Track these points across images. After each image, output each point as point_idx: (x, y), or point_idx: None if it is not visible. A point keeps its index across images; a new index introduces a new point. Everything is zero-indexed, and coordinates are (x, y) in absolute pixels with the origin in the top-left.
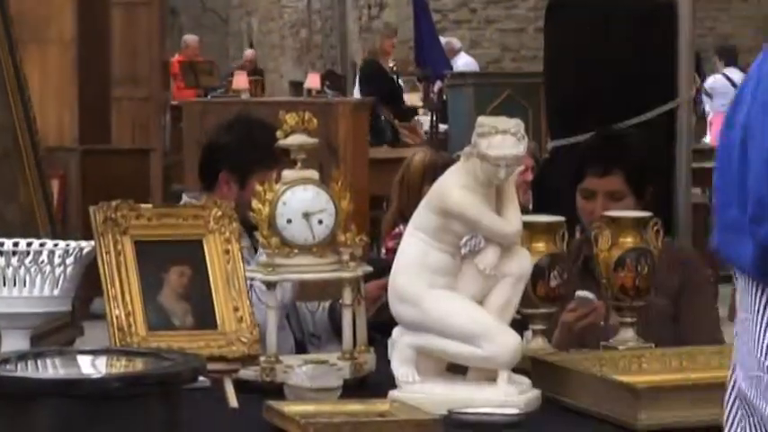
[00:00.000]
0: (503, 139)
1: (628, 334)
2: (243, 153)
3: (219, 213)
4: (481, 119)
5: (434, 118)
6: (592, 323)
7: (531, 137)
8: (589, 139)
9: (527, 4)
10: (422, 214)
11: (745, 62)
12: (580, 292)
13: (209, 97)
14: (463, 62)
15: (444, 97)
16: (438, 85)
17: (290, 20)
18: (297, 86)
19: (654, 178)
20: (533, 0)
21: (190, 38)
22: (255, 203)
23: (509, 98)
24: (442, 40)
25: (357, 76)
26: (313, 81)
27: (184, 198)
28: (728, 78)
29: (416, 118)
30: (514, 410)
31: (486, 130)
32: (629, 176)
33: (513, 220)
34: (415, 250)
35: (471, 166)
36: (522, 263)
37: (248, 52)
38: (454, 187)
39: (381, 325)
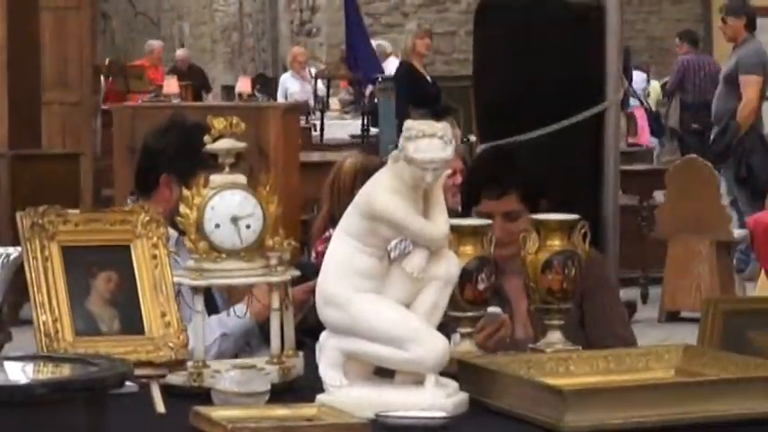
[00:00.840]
0: (430, 142)
1: (555, 336)
2: (184, 155)
3: (147, 218)
4: (408, 122)
5: (365, 121)
6: (503, 338)
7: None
8: (480, 161)
9: (459, 7)
10: (349, 218)
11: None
12: (489, 309)
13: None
14: (394, 66)
15: (375, 100)
16: (369, 88)
17: (222, 23)
18: (229, 90)
19: (546, 190)
20: (465, 3)
21: (155, 43)
22: (183, 208)
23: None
24: (374, 43)
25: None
26: (244, 85)
27: (129, 203)
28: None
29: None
30: (442, 414)
31: (414, 134)
32: (524, 195)
33: (440, 223)
34: (343, 254)
35: (399, 170)
36: (450, 266)
37: (180, 52)
38: (381, 191)
39: (310, 329)
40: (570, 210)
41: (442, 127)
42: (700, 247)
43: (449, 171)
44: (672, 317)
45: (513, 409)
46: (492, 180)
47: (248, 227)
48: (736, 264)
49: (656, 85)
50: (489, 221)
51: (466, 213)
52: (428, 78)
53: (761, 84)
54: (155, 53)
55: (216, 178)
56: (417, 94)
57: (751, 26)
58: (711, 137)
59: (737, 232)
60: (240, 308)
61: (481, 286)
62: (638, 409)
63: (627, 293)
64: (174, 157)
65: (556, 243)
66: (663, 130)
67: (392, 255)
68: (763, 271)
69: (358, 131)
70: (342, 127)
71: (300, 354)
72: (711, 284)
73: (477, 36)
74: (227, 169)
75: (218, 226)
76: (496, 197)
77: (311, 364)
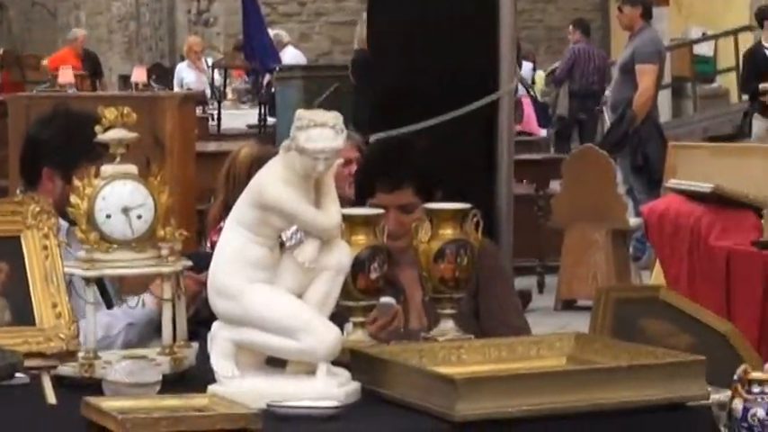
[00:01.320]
0: (321, 131)
1: (448, 325)
2: (65, 147)
3: (38, 209)
4: (300, 112)
5: (263, 111)
6: (397, 328)
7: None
8: (374, 152)
9: None
10: (241, 208)
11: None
12: (382, 299)
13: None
14: (291, 55)
15: (273, 90)
16: (267, 78)
17: (119, 13)
18: (126, 80)
19: (440, 181)
20: None
21: (78, 31)
22: (74, 198)
23: (337, 91)
24: (271, 32)
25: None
26: (139, 75)
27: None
28: None
29: None
30: (333, 403)
31: (305, 123)
32: (419, 188)
33: (332, 213)
34: (235, 244)
35: (290, 160)
36: (342, 256)
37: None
38: (272, 181)
39: (204, 320)
40: (465, 200)
41: (333, 116)
42: (596, 235)
43: (340, 160)
44: (568, 305)
45: (405, 398)
46: (386, 173)
47: (139, 217)
48: (633, 252)
49: (541, 75)
50: (381, 210)
51: (360, 205)
52: None
53: (657, 73)
54: (78, 41)
55: (107, 168)
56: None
57: (647, 15)
58: (607, 125)
59: (633, 221)
60: (146, 298)
61: (373, 276)
62: (529, 397)
63: (523, 282)
64: (56, 149)
65: (448, 232)
66: (549, 119)
67: (287, 245)
68: (658, 259)
69: (255, 121)
70: (239, 117)
71: (194, 344)
72: (607, 273)
73: (370, 26)
74: (118, 159)
75: (109, 216)
76: (391, 190)
77: (205, 355)
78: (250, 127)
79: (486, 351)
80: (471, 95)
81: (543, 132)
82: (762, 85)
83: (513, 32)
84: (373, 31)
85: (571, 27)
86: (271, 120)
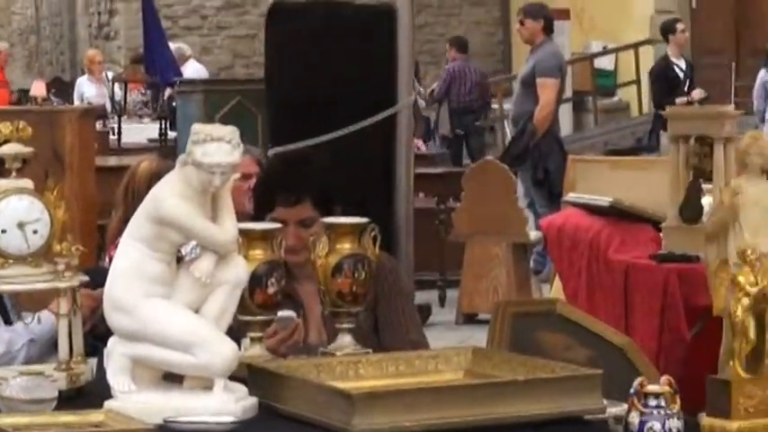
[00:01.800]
0: (218, 146)
1: (346, 340)
2: None
3: None
4: (196, 126)
5: (163, 125)
6: (296, 342)
7: (260, 143)
8: (273, 167)
9: (258, 9)
10: (138, 223)
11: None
12: (281, 313)
13: None
14: (193, 69)
15: (174, 104)
16: (168, 92)
17: (19, 27)
18: (27, 94)
19: (340, 195)
20: (264, 6)
21: (1, 44)
22: None
23: (239, 105)
24: (173, 46)
25: None
26: (38, 89)
27: None
28: None
29: None
30: (230, 418)
31: (201, 138)
32: (318, 202)
33: (228, 227)
34: (131, 259)
35: (186, 174)
36: (238, 271)
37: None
38: (169, 195)
39: (101, 336)
40: (364, 214)
41: (229, 131)
42: (496, 249)
43: (237, 175)
44: (469, 319)
45: (303, 414)
46: (285, 188)
47: (35, 232)
48: (533, 265)
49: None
50: (278, 225)
51: (260, 219)
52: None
53: (558, 86)
54: (1, 55)
55: (2, 183)
56: None
57: (548, 29)
58: (508, 139)
59: (534, 234)
60: (46, 314)
61: (271, 290)
62: (426, 411)
63: (424, 296)
64: None
65: (346, 246)
66: (431, 134)
67: (187, 259)
68: (557, 273)
69: (156, 135)
70: (140, 131)
71: (92, 360)
72: (508, 287)
73: (268, 40)
74: (13, 174)
75: (4, 231)
76: (290, 205)
77: (102, 371)
78: (151, 141)
79: (383, 366)
80: (371, 109)
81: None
82: (678, 100)
83: (411, 46)
84: (271, 44)
85: (448, 45)
86: (172, 134)
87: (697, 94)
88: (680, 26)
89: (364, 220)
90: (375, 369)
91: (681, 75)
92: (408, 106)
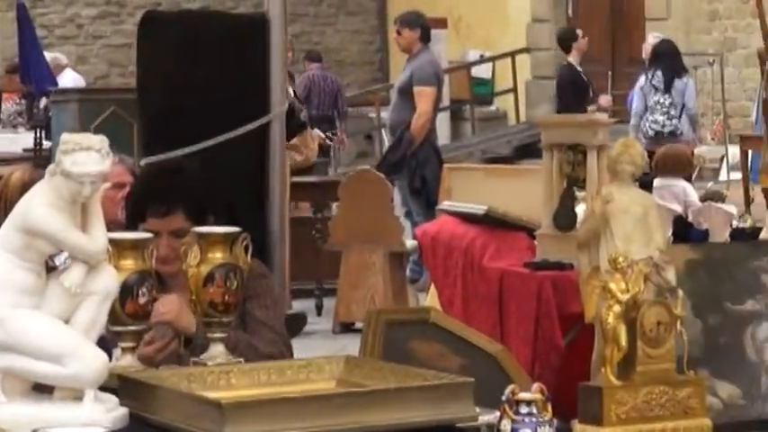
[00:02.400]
0: (87, 155)
1: (218, 349)
2: None
3: None
4: (65, 136)
5: (39, 135)
6: (173, 352)
7: (135, 153)
8: (145, 177)
9: (134, 19)
10: (6, 232)
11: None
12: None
13: None
14: (70, 78)
15: (50, 114)
16: (43, 101)
17: None
18: None
19: (213, 205)
20: (140, 16)
21: None
22: None
23: (114, 114)
24: (48, 56)
25: None
26: None
27: None
28: None
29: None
30: (100, 429)
31: (70, 147)
32: (190, 213)
33: (98, 237)
34: (0, 269)
35: (56, 184)
36: (108, 281)
37: None
38: (38, 205)
39: None
40: (238, 224)
41: (99, 140)
42: (373, 258)
43: (107, 184)
44: (346, 328)
45: (173, 423)
46: (157, 198)
47: None
48: (410, 274)
49: None
50: (149, 235)
51: (132, 230)
52: (290, 91)
53: (435, 95)
54: None
55: None
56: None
57: (425, 38)
58: (385, 147)
59: (410, 243)
60: None
61: (142, 300)
62: (297, 420)
63: (301, 305)
64: None
65: (218, 256)
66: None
67: (60, 269)
68: (432, 281)
69: (32, 145)
70: (15, 140)
71: None
72: (385, 295)
73: (140, 49)
74: None
75: None
76: (162, 215)
77: None
78: (26, 151)
79: (255, 375)
80: (244, 119)
81: None
82: (590, 108)
83: (285, 56)
84: (143, 53)
85: (302, 57)
86: (47, 144)
87: (604, 101)
88: (580, 32)
89: (236, 229)
90: (246, 378)
91: (586, 82)
92: (281, 115)
